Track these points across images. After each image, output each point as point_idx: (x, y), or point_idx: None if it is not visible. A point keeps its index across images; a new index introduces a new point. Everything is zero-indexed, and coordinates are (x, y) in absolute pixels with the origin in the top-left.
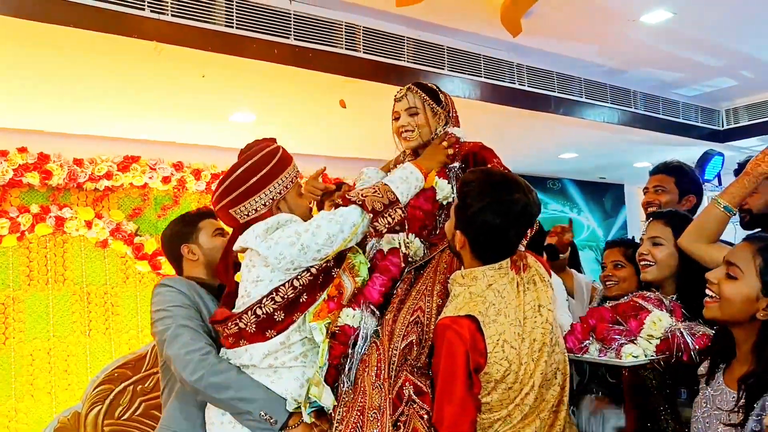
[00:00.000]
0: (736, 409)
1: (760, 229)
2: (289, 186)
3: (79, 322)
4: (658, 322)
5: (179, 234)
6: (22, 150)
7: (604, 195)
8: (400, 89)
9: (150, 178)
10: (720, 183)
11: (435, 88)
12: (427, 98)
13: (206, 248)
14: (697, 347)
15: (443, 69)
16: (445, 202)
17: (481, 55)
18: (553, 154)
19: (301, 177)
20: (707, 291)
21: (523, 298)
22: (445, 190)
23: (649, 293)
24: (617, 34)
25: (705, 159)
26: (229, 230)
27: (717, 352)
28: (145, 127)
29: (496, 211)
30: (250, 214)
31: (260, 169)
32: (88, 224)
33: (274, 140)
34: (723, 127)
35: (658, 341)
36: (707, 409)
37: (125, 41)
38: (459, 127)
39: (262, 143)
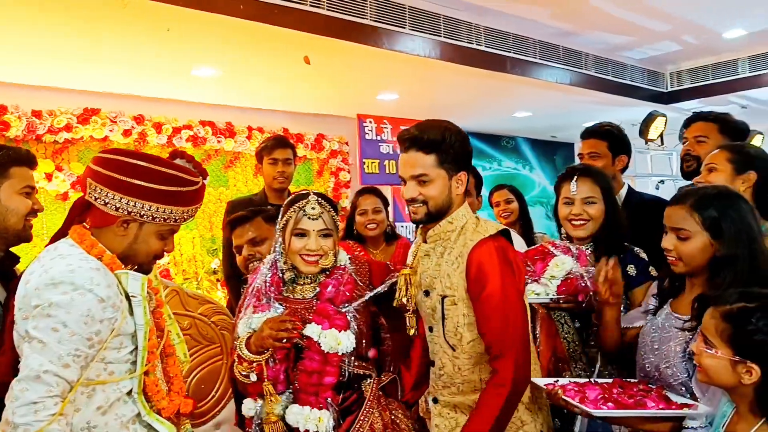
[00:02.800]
0: (685, 326)
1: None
2: (157, 219)
3: None
4: (561, 264)
5: None
6: None
7: (555, 153)
8: (312, 205)
9: (110, 131)
10: (662, 142)
11: (333, 201)
12: (336, 215)
13: (2, 203)
14: (593, 290)
15: (404, 28)
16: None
17: (441, 14)
18: (508, 113)
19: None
20: (667, 256)
21: None
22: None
23: (559, 241)
24: None
25: (649, 119)
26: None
27: (667, 294)
28: (106, 79)
29: None
30: (97, 199)
31: (155, 181)
32: (48, 176)
33: (206, 175)
34: (667, 89)
35: (558, 282)
36: (657, 335)
37: None
38: None
39: (195, 166)
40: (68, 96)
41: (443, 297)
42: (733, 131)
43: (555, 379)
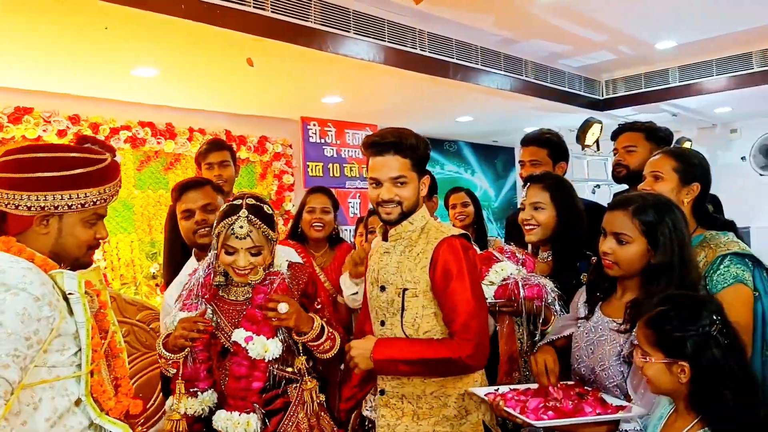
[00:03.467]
0: (620, 328)
1: (627, 187)
2: (74, 207)
3: None
4: (500, 271)
5: None
6: None
7: (497, 157)
8: (240, 223)
9: (44, 131)
10: (598, 148)
11: (270, 211)
12: (269, 231)
13: None
14: (523, 295)
15: (349, 32)
16: (267, 359)
17: (386, 19)
18: (451, 118)
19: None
20: (604, 259)
21: None
22: (258, 348)
23: (508, 246)
24: (512, 6)
25: (586, 126)
26: None
27: (596, 291)
28: (41, 77)
29: None
30: (8, 206)
31: (53, 168)
32: None
33: (114, 152)
34: (603, 96)
35: (495, 287)
36: (590, 337)
37: None
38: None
39: (101, 146)
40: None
41: (404, 290)
42: (659, 138)
43: (495, 387)
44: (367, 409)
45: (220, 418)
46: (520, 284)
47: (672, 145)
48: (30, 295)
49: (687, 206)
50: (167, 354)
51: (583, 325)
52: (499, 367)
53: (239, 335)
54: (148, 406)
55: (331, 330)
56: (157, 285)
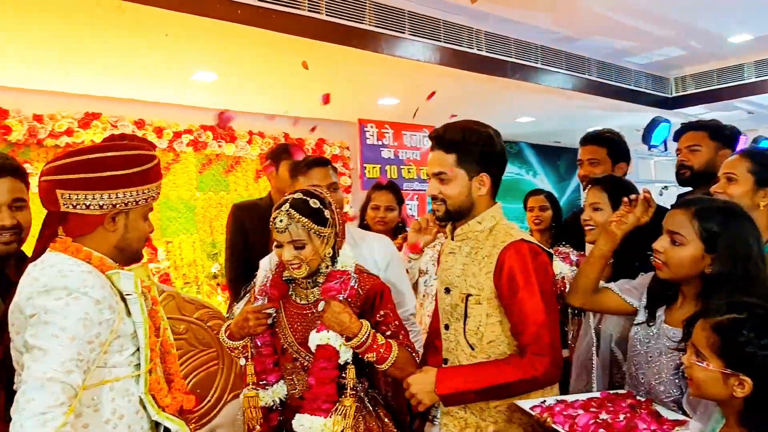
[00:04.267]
0: (679, 346)
1: (691, 188)
2: (140, 203)
3: None
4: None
5: None
6: None
7: (559, 158)
8: (280, 217)
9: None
10: (666, 149)
11: (319, 206)
12: (313, 225)
13: None
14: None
15: (404, 33)
16: (342, 362)
17: (441, 20)
18: (510, 118)
19: (150, 205)
20: (655, 258)
21: None
22: (348, 353)
23: (562, 247)
24: (572, 2)
25: (653, 125)
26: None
27: (657, 298)
28: (108, 83)
29: None
30: (78, 207)
31: (123, 166)
32: None
33: (154, 147)
34: (672, 94)
35: None
36: (650, 345)
37: None
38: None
39: (142, 143)
40: (70, 100)
41: (467, 295)
42: (724, 137)
43: (542, 399)
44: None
45: (302, 421)
46: (567, 283)
47: (748, 145)
48: (91, 299)
49: (763, 211)
50: (229, 342)
51: (643, 329)
52: (571, 372)
53: (322, 336)
54: (205, 402)
55: (386, 340)
56: (218, 284)
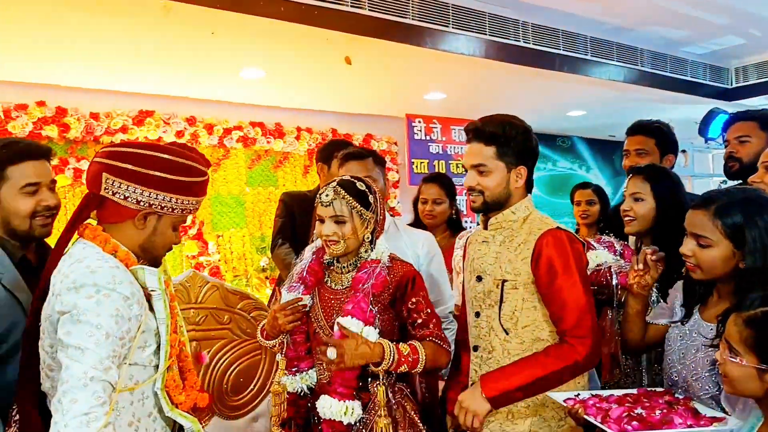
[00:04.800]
0: (713, 342)
1: (741, 182)
2: (176, 211)
3: None
4: (595, 258)
5: None
6: (41, 104)
7: (614, 153)
8: (327, 192)
9: (164, 132)
10: (724, 141)
11: (365, 189)
12: (356, 204)
13: (4, 206)
14: (616, 282)
15: (448, 26)
16: None
17: (487, 12)
18: (561, 112)
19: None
20: (686, 261)
21: None
22: (371, 339)
23: (606, 237)
24: None
25: (710, 117)
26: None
27: (692, 295)
28: (160, 82)
29: None
30: (116, 193)
31: (170, 170)
32: None
33: (209, 165)
34: (732, 85)
35: (588, 273)
36: (686, 342)
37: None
38: (383, 231)
39: (199, 157)
40: (124, 98)
41: (503, 281)
42: (669, 143)
43: (576, 392)
44: None
45: (325, 404)
46: (613, 271)
47: None
48: (120, 294)
49: None
50: (265, 342)
51: (678, 327)
52: (602, 366)
53: (343, 322)
54: (248, 392)
55: (410, 345)
56: (267, 278)
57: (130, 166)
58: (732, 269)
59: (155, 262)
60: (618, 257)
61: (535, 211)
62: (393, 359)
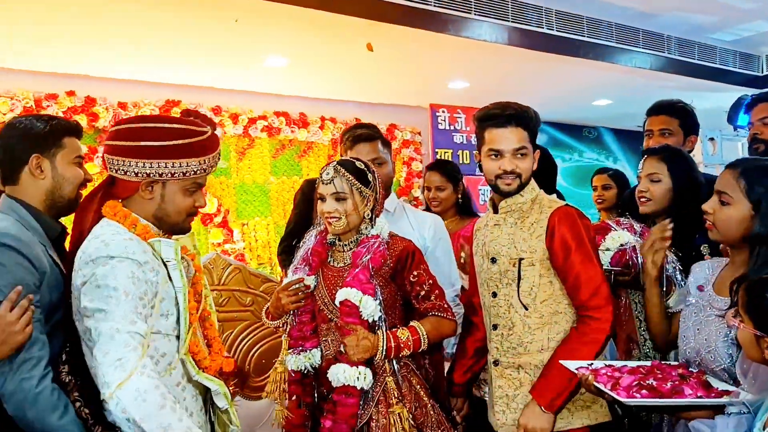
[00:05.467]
0: (726, 311)
1: None
2: (176, 175)
3: None
4: (617, 237)
5: (38, 137)
6: (71, 93)
7: (642, 143)
8: (327, 171)
9: None
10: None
11: (363, 168)
12: (356, 182)
13: (59, 173)
14: (642, 263)
15: (470, 13)
16: (370, 320)
17: None
18: (586, 101)
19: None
20: (705, 219)
21: None
22: (369, 308)
23: (624, 219)
24: None
25: (738, 104)
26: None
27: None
28: (185, 72)
29: None
30: (118, 170)
31: (158, 138)
32: None
33: (214, 126)
34: (763, 72)
35: (611, 253)
36: (697, 317)
37: None
38: (383, 209)
39: (197, 118)
40: (152, 88)
41: (520, 260)
42: (692, 124)
43: (589, 362)
44: (480, 385)
45: (338, 370)
46: (638, 250)
47: None
48: (134, 261)
49: None
50: (269, 322)
51: (691, 303)
52: (617, 347)
53: (342, 294)
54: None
55: (409, 327)
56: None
57: (121, 143)
58: (746, 233)
59: (178, 230)
60: (638, 237)
61: (541, 191)
62: (390, 344)
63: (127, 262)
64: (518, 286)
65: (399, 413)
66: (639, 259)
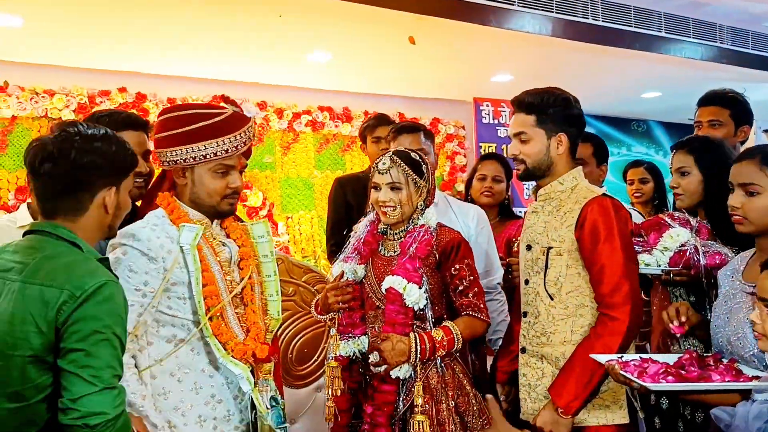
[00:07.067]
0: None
1: None
2: (197, 159)
3: None
4: (675, 236)
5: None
6: (122, 90)
7: None
8: (384, 160)
9: None
10: None
11: (418, 159)
12: (411, 173)
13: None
14: (705, 263)
15: (514, 4)
16: (415, 308)
17: None
18: (635, 93)
19: (241, 158)
20: (732, 214)
21: None
22: (414, 296)
23: (678, 213)
24: None
25: None
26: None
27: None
28: (232, 68)
29: None
30: (162, 162)
31: (181, 125)
32: None
33: (236, 105)
34: None
35: (671, 253)
36: (728, 305)
37: None
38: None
39: (225, 101)
40: (199, 84)
41: (548, 248)
42: (744, 113)
43: (618, 355)
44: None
45: (394, 280)
46: (701, 251)
47: None
48: (137, 251)
49: None
50: (318, 316)
51: (722, 293)
52: (651, 342)
53: (387, 281)
54: (312, 362)
55: (442, 327)
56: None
57: (156, 136)
58: None
59: (212, 212)
60: (694, 234)
61: (584, 181)
62: (424, 346)
63: (131, 252)
64: (545, 275)
65: (421, 421)
66: (702, 260)
